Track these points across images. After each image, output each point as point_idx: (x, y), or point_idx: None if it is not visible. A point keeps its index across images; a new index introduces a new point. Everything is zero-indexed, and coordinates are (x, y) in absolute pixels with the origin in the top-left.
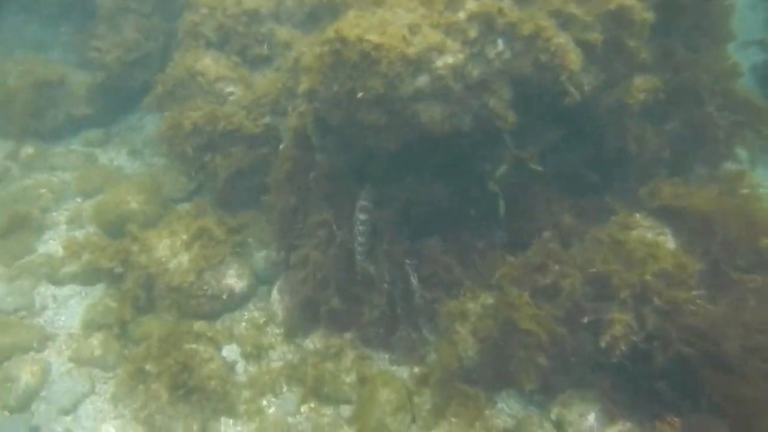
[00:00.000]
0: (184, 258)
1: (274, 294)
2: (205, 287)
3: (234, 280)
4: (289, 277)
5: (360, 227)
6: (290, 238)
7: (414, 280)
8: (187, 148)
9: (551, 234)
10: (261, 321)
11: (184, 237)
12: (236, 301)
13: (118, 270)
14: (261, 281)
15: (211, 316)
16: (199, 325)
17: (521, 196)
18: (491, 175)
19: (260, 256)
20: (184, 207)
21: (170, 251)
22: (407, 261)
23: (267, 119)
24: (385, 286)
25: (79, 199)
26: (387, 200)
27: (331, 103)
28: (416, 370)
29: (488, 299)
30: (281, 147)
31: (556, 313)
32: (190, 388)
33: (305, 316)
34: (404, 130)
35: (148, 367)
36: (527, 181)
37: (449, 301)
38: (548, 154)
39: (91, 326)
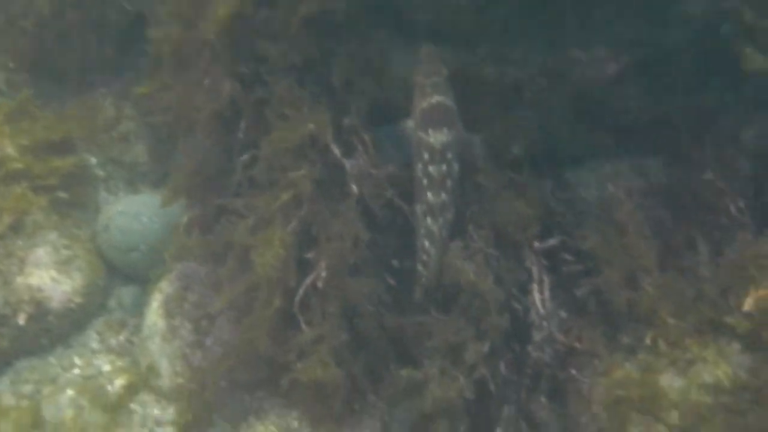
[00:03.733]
0: None
1: (153, 315)
2: None
3: (47, 276)
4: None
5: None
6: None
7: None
8: None
9: None
10: (118, 383)
11: None
12: (54, 331)
13: None
14: (122, 275)
15: None
16: None
17: None
18: None
19: (121, 212)
20: None
21: None
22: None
23: None
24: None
25: None
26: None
27: None
28: None
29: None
30: None
31: None
32: None
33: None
34: None
35: None
36: None
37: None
38: None
39: None
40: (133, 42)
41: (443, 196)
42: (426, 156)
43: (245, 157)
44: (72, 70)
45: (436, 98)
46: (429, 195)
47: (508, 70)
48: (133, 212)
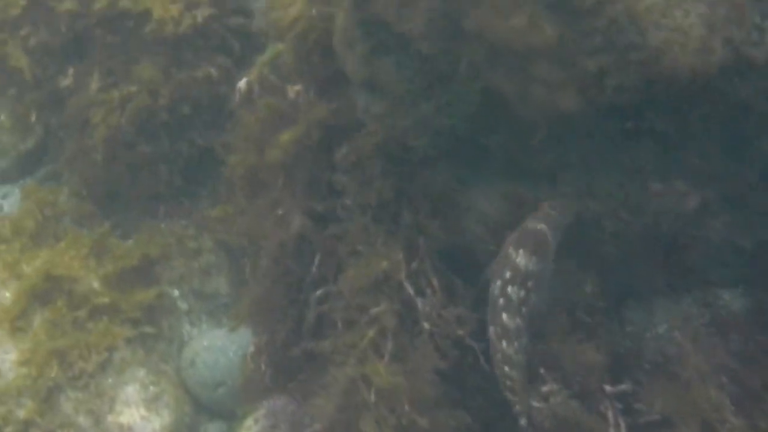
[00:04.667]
0: (9, 354)
1: None
2: None
3: (137, 414)
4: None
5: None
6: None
7: None
8: (16, 56)
9: None
10: None
11: (8, 295)
12: None
13: None
14: (208, 411)
15: None
16: None
17: None
18: None
19: (207, 347)
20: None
21: None
22: None
23: None
24: None
25: None
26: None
27: None
28: None
29: None
30: (241, 85)
31: None
32: None
33: None
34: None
35: None
36: None
37: None
38: None
39: None
40: (202, 174)
41: (518, 320)
42: (508, 275)
43: (319, 292)
44: (141, 198)
45: (541, 226)
46: (504, 317)
47: (589, 203)
48: (219, 347)
